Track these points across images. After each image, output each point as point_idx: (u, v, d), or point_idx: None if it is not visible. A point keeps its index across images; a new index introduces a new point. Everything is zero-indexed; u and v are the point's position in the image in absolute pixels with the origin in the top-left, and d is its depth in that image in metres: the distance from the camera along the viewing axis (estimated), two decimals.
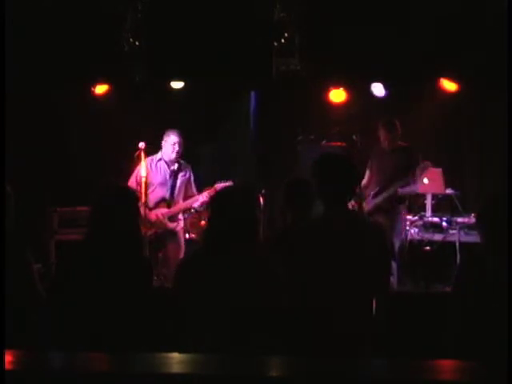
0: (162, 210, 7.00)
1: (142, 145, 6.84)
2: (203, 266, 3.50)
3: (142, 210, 6.82)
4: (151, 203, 6.94)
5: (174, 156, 6.98)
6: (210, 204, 3.80)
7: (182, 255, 6.95)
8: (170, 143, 6.97)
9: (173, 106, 8.62)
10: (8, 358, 2.32)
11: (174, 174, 7.04)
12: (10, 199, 3.85)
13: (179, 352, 2.57)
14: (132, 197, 3.82)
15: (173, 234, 7.13)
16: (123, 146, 7.77)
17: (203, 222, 7.63)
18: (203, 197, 6.92)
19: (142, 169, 6.80)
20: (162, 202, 7.02)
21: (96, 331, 3.50)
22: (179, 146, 6.95)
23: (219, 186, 6.82)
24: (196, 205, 7.01)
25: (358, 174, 4.31)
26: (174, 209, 7.05)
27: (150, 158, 7.03)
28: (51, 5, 7.29)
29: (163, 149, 7.06)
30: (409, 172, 6.98)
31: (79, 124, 8.64)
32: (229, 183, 6.86)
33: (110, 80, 8.05)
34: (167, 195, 7.04)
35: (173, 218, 7.06)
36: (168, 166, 7.05)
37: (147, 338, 3.53)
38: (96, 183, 4.12)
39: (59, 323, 3.61)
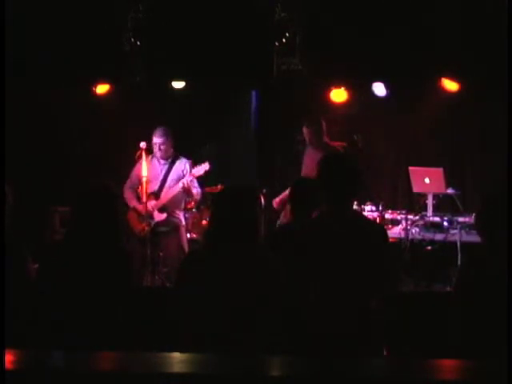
0: (151, 203, 7.04)
1: (143, 144, 6.88)
2: (204, 266, 3.50)
3: (137, 205, 7.01)
4: (143, 197, 6.99)
5: (158, 155, 7.07)
6: (212, 203, 3.81)
7: (182, 255, 6.95)
8: (154, 143, 7.05)
9: (173, 105, 8.63)
10: (8, 357, 2.32)
11: (166, 170, 7.11)
12: (9, 199, 3.85)
13: (179, 351, 2.56)
14: (109, 194, 3.80)
15: (174, 233, 7.15)
16: (124, 145, 7.78)
17: (204, 222, 7.64)
18: (182, 183, 6.98)
19: (144, 168, 6.83)
20: (151, 194, 7.07)
21: (82, 330, 3.50)
22: (159, 146, 7.02)
23: (196, 171, 6.98)
24: (177, 191, 7.04)
25: (360, 174, 4.30)
26: (160, 200, 7.08)
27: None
28: (52, 4, 7.29)
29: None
30: None
31: (80, 124, 8.64)
32: (205, 166, 6.93)
33: (110, 80, 8.05)
34: (156, 188, 7.08)
35: (163, 210, 7.08)
36: (159, 162, 7.10)
37: (143, 337, 3.53)
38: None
39: (49, 322, 3.61)
